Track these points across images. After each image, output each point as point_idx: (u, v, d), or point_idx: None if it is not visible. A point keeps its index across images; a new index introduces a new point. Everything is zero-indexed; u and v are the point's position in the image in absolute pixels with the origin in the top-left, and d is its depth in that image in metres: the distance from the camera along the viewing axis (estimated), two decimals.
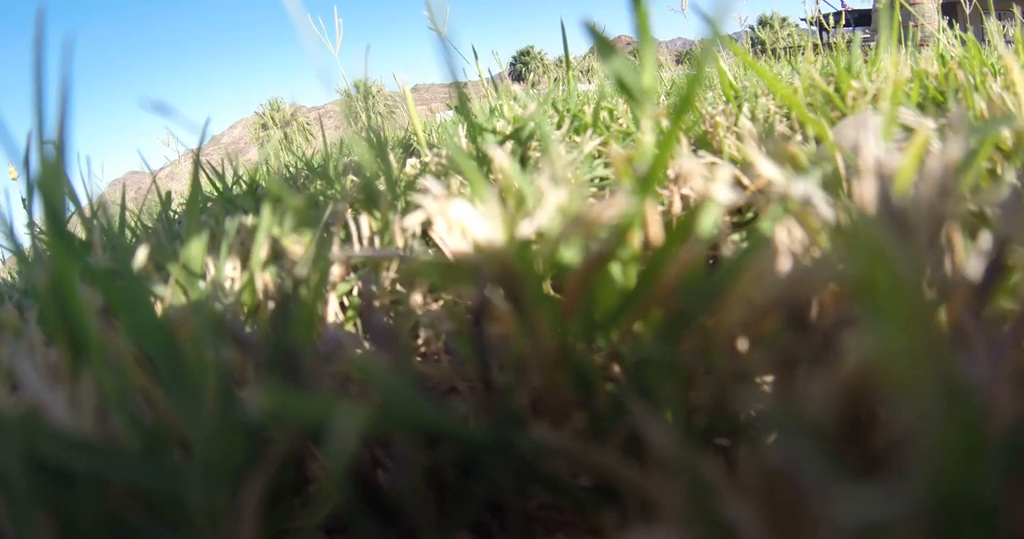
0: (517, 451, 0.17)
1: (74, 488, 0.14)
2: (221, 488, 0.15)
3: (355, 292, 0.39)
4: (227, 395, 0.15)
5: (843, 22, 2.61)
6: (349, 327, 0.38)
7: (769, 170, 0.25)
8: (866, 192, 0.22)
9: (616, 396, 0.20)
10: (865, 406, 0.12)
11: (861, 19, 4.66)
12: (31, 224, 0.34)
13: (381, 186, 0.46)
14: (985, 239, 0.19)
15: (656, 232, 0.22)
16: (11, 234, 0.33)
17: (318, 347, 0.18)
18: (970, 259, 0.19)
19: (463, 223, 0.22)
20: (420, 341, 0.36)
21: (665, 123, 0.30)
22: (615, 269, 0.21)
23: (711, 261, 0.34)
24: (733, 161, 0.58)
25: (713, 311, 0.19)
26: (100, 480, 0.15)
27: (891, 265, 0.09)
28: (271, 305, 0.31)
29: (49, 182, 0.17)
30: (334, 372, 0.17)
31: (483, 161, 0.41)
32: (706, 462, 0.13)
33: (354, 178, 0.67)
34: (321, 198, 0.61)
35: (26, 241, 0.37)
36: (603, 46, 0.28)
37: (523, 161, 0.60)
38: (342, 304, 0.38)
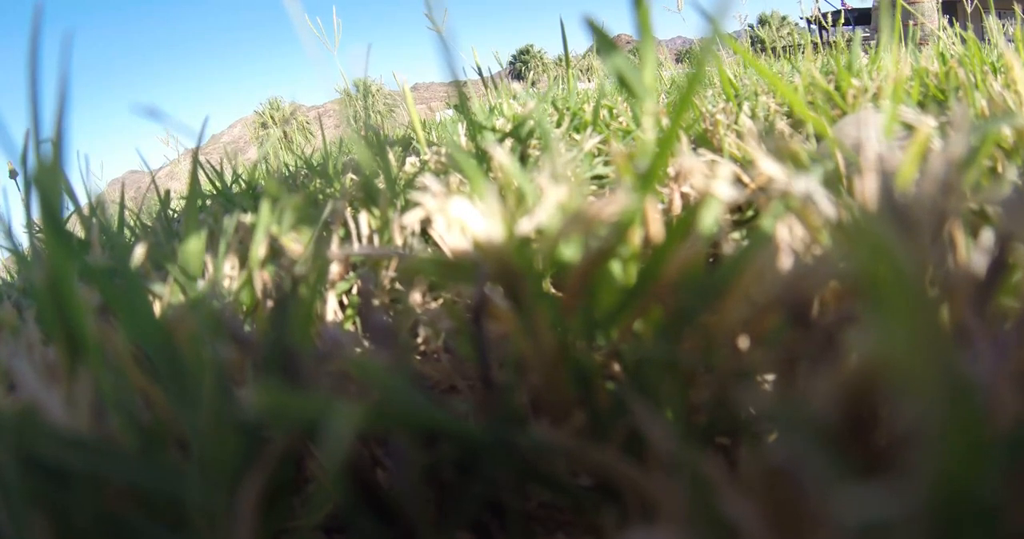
0: (517, 450, 0.17)
1: (71, 487, 0.14)
2: (219, 487, 0.14)
3: (354, 291, 0.39)
4: (224, 394, 0.15)
5: (843, 21, 2.61)
6: (348, 326, 0.38)
7: (770, 167, 0.25)
8: (868, 189, 0.22)
9: (616, 395, 0.20)
10: (867, 404, 0.12)
11: (861, 18, 4.66)
12: (29, 223, 0.34)
13: (380, 184, 0.46)
14: (987, 237, 0.19)
15: (656, 229, 0.21)
16: (9, 233, 0.33)
17: (317, 346, 0.18)
18: (972, 257, 0.19)
19: (462, 221, 0.22)
20: (420, 340, 0.36)
21: (665, 121, 0.30)
22: (615, 267, 0.21)
23: (711, 259, 0.34)
24: (733, 159, 0.58)
25: (714, 309, 0.19)
26: (97, 479, 0.15)
27: (894, 262, 0.09)
28: (269, 304, 0.31)
29: (46, 179, 0.17)
30: (332, 371, 0.17)
31: (483, 159, 0.41)
32: (707, 461, 0.13)
33: (353, 176, 0.67)
34: (320, 196, 0.61)
35: (25, 240, 0.37)
36: (604, 43, 0.28)
37: (523, 159, 0.60)
38: (341, 303, 0.38)
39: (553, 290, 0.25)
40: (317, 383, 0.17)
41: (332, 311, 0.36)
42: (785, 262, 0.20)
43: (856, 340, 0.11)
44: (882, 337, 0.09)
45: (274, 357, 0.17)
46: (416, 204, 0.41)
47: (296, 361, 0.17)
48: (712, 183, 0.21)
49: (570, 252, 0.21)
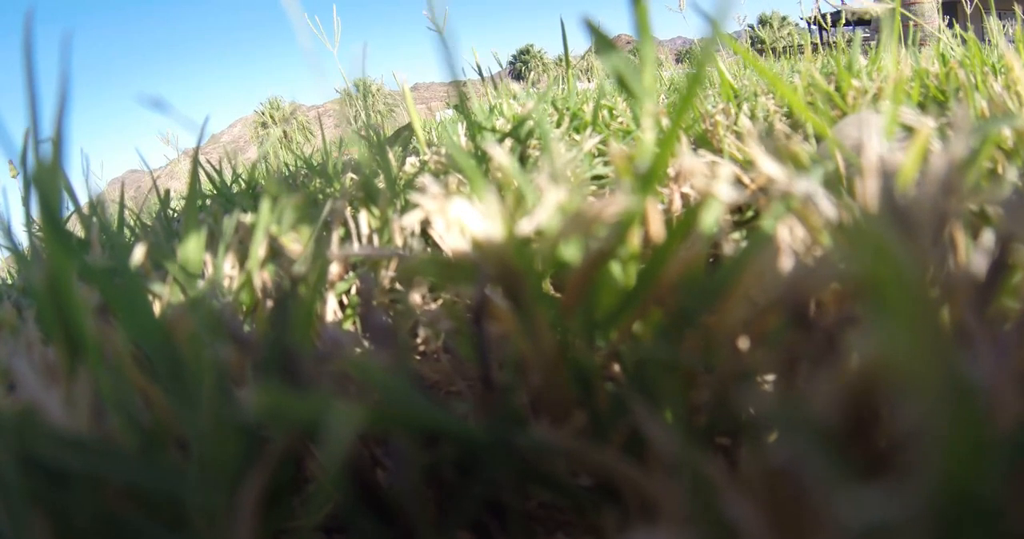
0: (517, 451, 0.16)
1: (70, 488, 0.14)
2: (219, 488, 0.14)
3: (353, 291, 0.39)
4: (224, 394, 0.15)
5: (843, 21, 2.61)
6: (348, 326, 0.38)
7: (771, 168, 0.25)
8: (869, 190, 0.22)
9: (616, 395, 0.20)
10: (868, 405, 0.12)
11: (861, 19, 4.66)
12: (29, 222, 0.34)
13: (380, 184, 0.46)
14: (988, 238, 0.19)
15: (657, 230, 0.21)
16: (9, 232, 0.33)
17: (317, 346, 0.18)
18: (973, 258, 0.19)
19: (462, 221, 0.22)
20: (419, 340, 0.36)
21: (665, 122, 0.30)
22: (615, 267, 0.21)
23: (711, 259, 0.34)
24: (733, 160, 0.58)
25: (714, 310, 0.19)
26: (97, 480, 0.14)
27: (896, 264, 0.09)
28: (269, 303, 0.31)
29: (45, 179, 0.17)
30: (333, 371, 0.17)
31: (482, 159, 0.41)
32: (708, 461, 0.13)
33: (353, 176, 0.67)
34: (320, 196, 0.61)
35: (24, 239, 0.37)
36: (602, 43, 0.28)
37: (522, 159, 0.60)
38: (341, 303, 0.38)
39: (553, 291, 0.25)
40: (317, 383, 0.17)
41: (332, 311, 0.36)
42: (786, 263, 0.20)
43: (859, 341, 0.11)
44: (884, 339, 0.09)
45: (274, 357, 0.17)
46: (416, 205, 0.40)
47: (296, 361, 0.17)
48: (713, 184, 0.21)
49: (570, 253, 0.21)
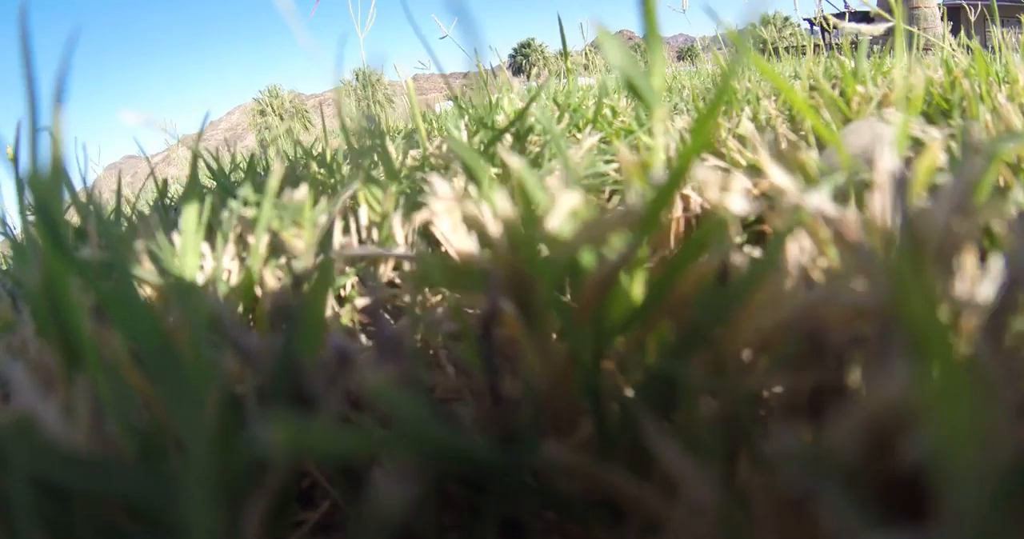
0: (530, 470, 0.16)
1: (70, 501, 0.14)
2: (221, 504, 0.14)
3: (349, 286, 0.38)
4: (227, 406, 0.15)
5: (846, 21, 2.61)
6: (346, 320, 0.37)
7: (782, 179, 0.24)
8: (882, 207, 0.22)
9: (626, 408, 0.20)
10: (886, 441, 0.12)
11: (863, 20, 4.66)
12: (23, 208, 0.33)
13: (381, 176, 0.46)
14: (997, 259, 0.19)
15: (670, 243, 0.21)
16: (3, 222, 0.32)
17: (323, 357, 0.17)
18: (984, 280, 0.19)
19: (473, 225, 0.22)
20: (418, 337, 0.36)
21: (670, 123, 0.29)
22: (626, 279, 0.21)
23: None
24: (735, 165, 0.58)
25: (726, 326, 0.19)
26: (97, 494, 0.14)
27: (930, 302, 0.09)
28: (270, 303, 0.30)
29: (41, 181, 0.17)
30: (341, 383, 0.17)
31: (485, 154, 0.40)
32: (720, 485, 0.12)
33: (354, 168, 0.66)
34: (320, 188, 0.60)
35: (20, 227, 0.36)
36: (608, 40, 0.27)
37: (521, 154, 0.59)
38: (339, 296, 0.38)
39: (561, 298, 0.25)
40: (326, 400, 0.16)
41: (330, 306, 0.36)
42: (797, 282, 0.20)
43: (881, 378, 0.11)
44: (915, 379, 0.09)
45: (279, 370, 0.17)
46: (421, 203, 0.40)
47: (304, 376, 0.16)
48: (727, 197, 0.20)
49: (584, 261, 0.21)
